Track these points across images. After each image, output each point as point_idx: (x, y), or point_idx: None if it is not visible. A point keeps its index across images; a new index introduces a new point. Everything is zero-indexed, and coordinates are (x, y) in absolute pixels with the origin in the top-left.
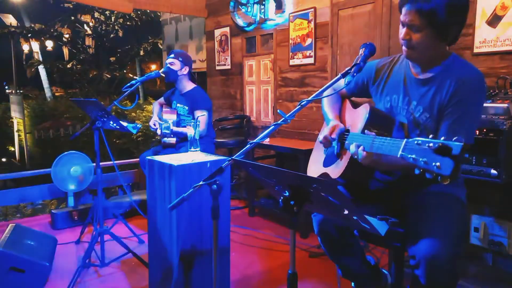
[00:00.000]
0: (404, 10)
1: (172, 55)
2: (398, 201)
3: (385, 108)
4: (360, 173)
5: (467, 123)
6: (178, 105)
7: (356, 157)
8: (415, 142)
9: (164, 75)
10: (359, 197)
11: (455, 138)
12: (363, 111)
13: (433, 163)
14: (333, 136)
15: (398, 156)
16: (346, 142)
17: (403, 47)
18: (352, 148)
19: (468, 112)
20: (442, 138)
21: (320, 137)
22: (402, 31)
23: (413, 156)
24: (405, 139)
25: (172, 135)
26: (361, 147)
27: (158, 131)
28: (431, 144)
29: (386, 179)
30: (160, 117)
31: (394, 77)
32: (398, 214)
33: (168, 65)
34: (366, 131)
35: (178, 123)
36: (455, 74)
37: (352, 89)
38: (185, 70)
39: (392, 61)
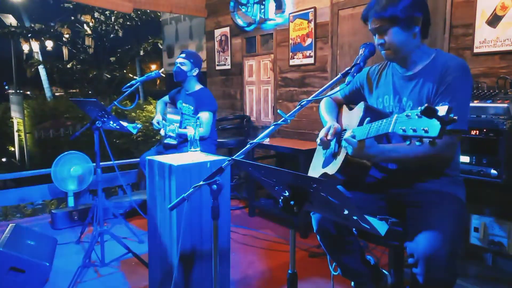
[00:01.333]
0: (365, 20)
1: (183, 55)
2: (396, 200)
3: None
4: (357, 168)
5: (457, 108)
6: (184, 104)
7: (348, 149)
8: (405, 114)
9: (163, 75)
10: (357, 196)
11: (441, 104)
12: (358, 109)
13: (421, 128)
14: (329, 137)
15: (390, 130)
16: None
17: (382, 52)
18: (347, 134)
19: (456, 98)
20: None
21: (318, 140)
22: (376, 38)
23: (403, 127)
24: (396, 114)
25: (175, 138)
26: (352, 134)
27: (162, 132)
28: (418, 113)
29: (384, 176)
30: (163, 116)
31: (383, 80)
32: (397, 213)
33: (179, 64)
34: (363, 118)
35: (181, 123)
36: (440, 65)
37: (347, 95)
38: (195, 72)
39: (380, 66)
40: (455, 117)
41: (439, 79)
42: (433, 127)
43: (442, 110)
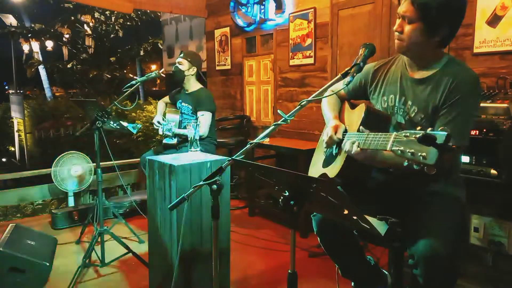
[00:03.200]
0: (402, 1)
1: (181, 55)
2: (397, 200)
3: (382, 108)
4: (357, 171)
5: (461, 124)
6: (183, 104)
7: (350, 153)
8: (403, 134)
9: (164, 75)
10: (357, 196)
11: (440, 128)
12: (359, 111)
13: (419, 154)
14: (338, 135)
15: (388, 149)
16: (343, 141)
17: (395, 39)
18: (347, 145)
19: (462, 114)
20: (429, 129)
21: (325, 137)
22: (397, 22)
23: (401, 148)
24: (394, 133)
25: (173, 137)
26: (356, 143)
27: (160, 131)
28: (417, 135)
29: (385, 177)
30: (163, 116)
31: (390, 78)
32: (397, 214)
33: (177, 64)
34: (361, 127)
35: (180, 123)
36: (450, 75)
37: (350, 91)
38: (193, 71)
39: (388, 62)
40: (454, 146)
41: (448, 91)
42: (431, 154)
43: (440, 137)
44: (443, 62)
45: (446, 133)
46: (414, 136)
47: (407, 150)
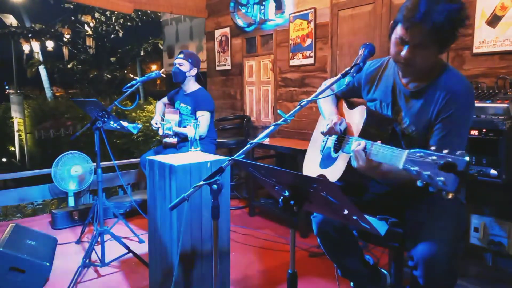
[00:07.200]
0: (407, 26)
1: (182, 55)
2: (396, 201)
3: None
4: (359, 176)
5: (456, 139)
6: (181, 104)
7: (355, 160)
8: (418, 154)
9: (164, 75)
10: (357, 198)
11: (459, 152)
12: (359, 115)
13: (438, 178)
14: (338, 129)
15: (401, 167)
16: (347, 146)
17: (401, 64)
18: (354, 145)
19: (457, 128)
20: (445, 152)
21: (323, 127)
22: (403, 49)
23: (416, 168)
24: (407, 150)
25: (173, 136)
26: (362, 144)
27: (160, 131)
28: (434, 158)
29: (384, 188)
30: (162, 116)
31: (383, 84)
32: (396, 214)
33: (177, 65)
34: (366, 124)
35: (180, 123)
36: (444, 88)
37: (344, 92)
38: (194, 72)
39: (381, 66)
40: (476, 174)
41: (441, 105)
42: (451, 181)
43: (461, 164)
44: (436, 71)
45: (466, 160)
46: (430, 158)
47: (424, 172)
